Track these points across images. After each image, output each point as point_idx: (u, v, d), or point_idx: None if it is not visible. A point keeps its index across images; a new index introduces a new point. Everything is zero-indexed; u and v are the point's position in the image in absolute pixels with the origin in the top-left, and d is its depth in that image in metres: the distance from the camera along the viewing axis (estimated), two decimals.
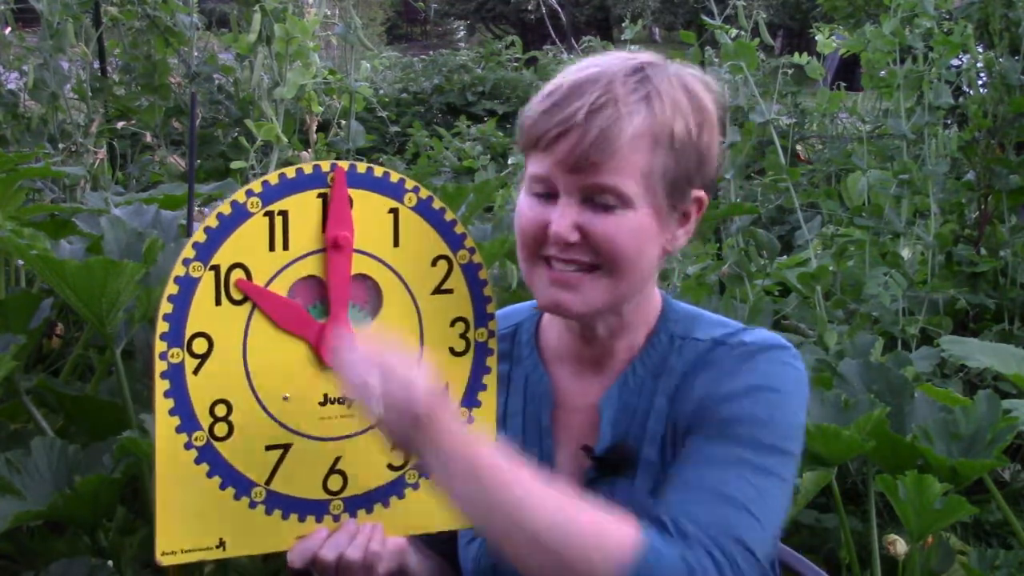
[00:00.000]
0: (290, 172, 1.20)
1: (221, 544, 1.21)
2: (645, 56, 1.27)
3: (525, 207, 1.25)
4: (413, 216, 1.26)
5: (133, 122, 4.40)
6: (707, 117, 1.24)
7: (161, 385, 1.17)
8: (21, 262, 2.69)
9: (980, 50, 3.92)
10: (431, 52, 11.12)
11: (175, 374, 1.18)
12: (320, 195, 1.21)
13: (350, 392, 1.17)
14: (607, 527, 1.12)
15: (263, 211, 1.19)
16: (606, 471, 1.29)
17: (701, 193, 1.27)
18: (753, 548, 1.14)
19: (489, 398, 1.32)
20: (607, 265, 1.22)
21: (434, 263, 1.27)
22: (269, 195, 1.19)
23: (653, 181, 1.21)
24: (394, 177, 1.25)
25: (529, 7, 21.32)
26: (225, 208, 1.18)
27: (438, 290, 1.28)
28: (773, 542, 1.21)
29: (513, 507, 1.11)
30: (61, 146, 3.86)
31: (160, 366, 1.17)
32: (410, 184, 1.25)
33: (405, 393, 1.13)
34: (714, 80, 1.30)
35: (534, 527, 1.10)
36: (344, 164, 1.22)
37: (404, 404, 1.13)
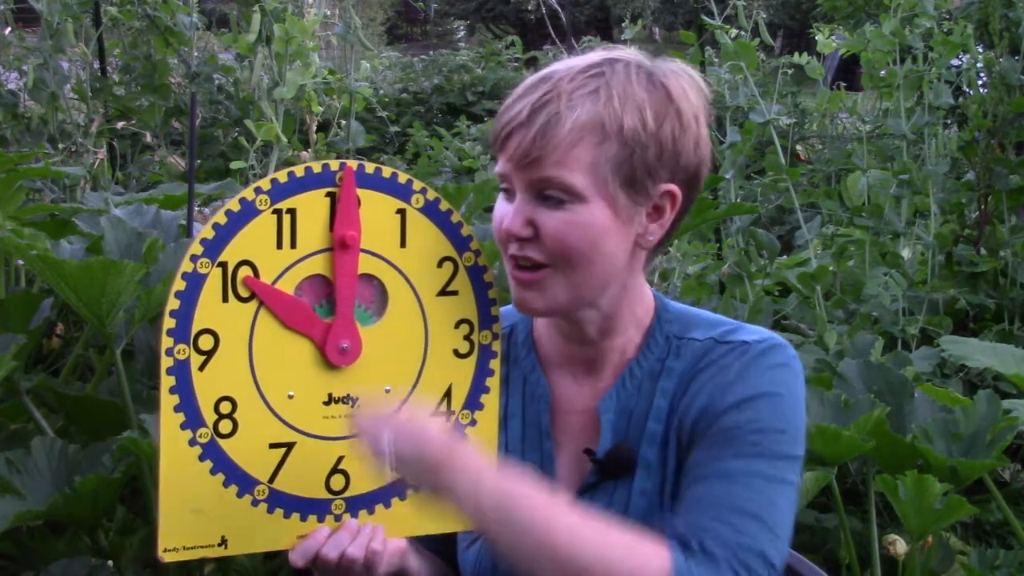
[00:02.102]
0: (299, 171, 1.20)
1: (223, 542, 1.21)
2: (616, 53, 1.27)
3: (496, 206, 1.28)
4: (420, 217, 1.26)
5: (133, 122, 4.40)
6: (675, 110, 1.23)
7: (166, 381, 1.17)
8: (21, 262, 2.69)
9: (980, 50, 3.93)
10: (431, 52, 11.13)
11: (181, 370, 1.18)
12: (328, 194, 1.21)
13: (369, 458, 1.19)
14: (642, 554, 1.15)
15: (271, 209, 1.19)
16: (607, 474, 1.29)
17: (671, 187, 1.25)
18: (774, 560, 1.17)
19: (492, 401, 1.32)
20: (559, 262, 1.23)
21: (440, 264, 1.27)
22: (278, 193, 1.19)
23: (603, 174, 1.21)
24: (402, 178, 1.25)
25: (529, 7, 21.33)
26: (234, 205, 1.18)
27: (443, 291, 1.28)
28: (787, 548, 1.24)
29: (553, 541, 1.14)
30: (61, 146, 3.86)
31: (166, 362, 1.17)
32: (418, 185, 1.25)
33: (416, 445, 1.16)
34: (698, 75, 1.29)
35: (575, 560, 1.13)
36: (353, 164, 1.22)
37: (416, 455, 1.16)
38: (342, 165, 1.21)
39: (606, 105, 1.20)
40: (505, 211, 1.25)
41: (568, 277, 1.23)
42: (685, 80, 1.26)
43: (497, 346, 1.31)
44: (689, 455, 1.25)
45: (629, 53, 1.28)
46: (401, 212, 1.25)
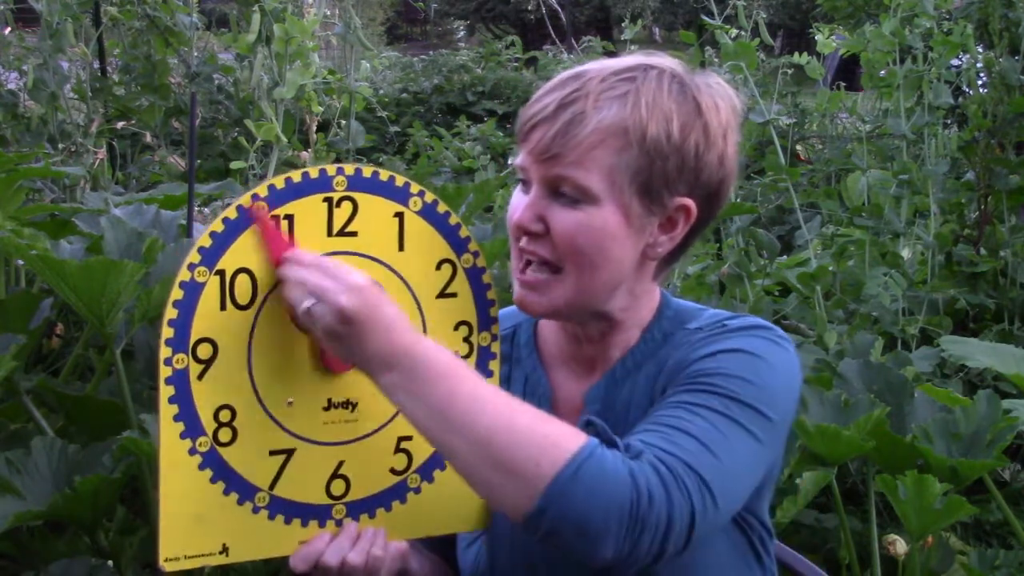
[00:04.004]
0: (296, 176, 1.20)
1: (224, 550, 1.21)
2: (654, 59, 1.26)
3: (512, 198, 1.28)
4: (418, 220, 1.25)
5: (133, 122, 4.40)
6: (702, 124, 1.22)
7: (166, 391, 1.17)
8: (21, 262, 2.68)
9: (980, 50, 3.93)
10: (431, 52, 11.12)
11: (180, 380, 1.17)
12: (326, 199, 1.21)
13: (289, 294, 1.15)
14: (554, 429, 1.10)
15: (269, 215, 1.19)
16: None
17: (687, 201, 1.24)
18: (709, 483, 1.11)
19: None
20: (566, 263, 1.22)
21: (438, 267, 1.27)
22: (275, 199, 1.19)
23: (620, 180, 1.20)
24: (399, 181, 1.24)
25: (529, 7, 21.33)
26: (231, 212, 1.18)
27: (442, 294, 1.27)
28: (737, 496, 1.19)
29: (462, 407, 1.10)
30: (61, 146, 3.85)
31: (165, 372, 1.16)
32: (415, 188, 1.25)
33: (334, 286, 1.12)
34: (732, 91, 1.28)
35: (483, 426, 1.09)
36: (350, 168, 1.22)
37: (332, 296, 1.11)
38: (339, 170, 1.21)
39: (632, 111, 1.20)
40: (519, 203, 1.25)
41: (573, 281, 1.23)
42: (718, 95, 1.25)
43: (496, 347, 1.31)
44: None
45: (666, 61, 1.26)
46: (399, 215, 1.24)
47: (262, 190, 1.19)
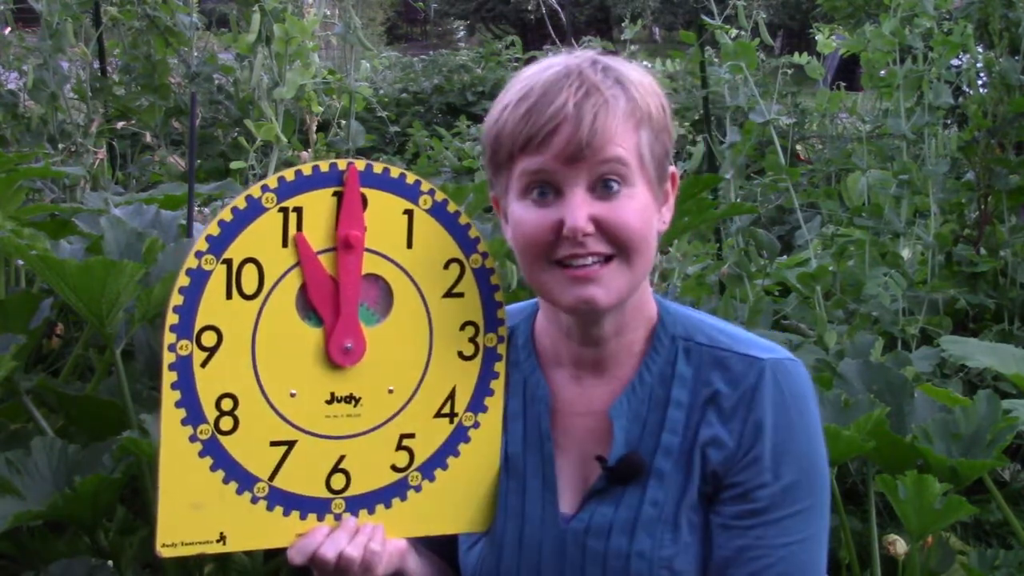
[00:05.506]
0: (306, 169, 1.20)
1: (222, 538, 1.21)
2: (580, 55, 1.28)
3: (525, 215, 1.24)
4: (428, 219, 1.26)
5: (133, 122, 4.40)
6: (664, 98, 1.28)
7: (168, 376, 1.17)
8: (21, 262, 2.68)
9: (980, 50, 3.92)
10: (431, 52, 11.13)
11: (183, 366, 1.18)
12: (335, 193, 1.21)
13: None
14: None
15: (277, 207, 1.19)
16: (616, 481, 1.29)
17: (674, 169, 1.31)
18: None
19: (496, 403, 1.32)
20: (622, 250, 1.23)
21: (446, 266, 1.27)
22: (284, 191, 1.19)
23: (644, 159, 1.24)
24: (410, 179, 1.25)
25: (529, 7, 21.32)
26: (240, 202, 1.18)
27: (449, 293, 1.28)
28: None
29: None
30: (61, 146, 3.85)
31: (168, 357, 1.17)
32: (426, 187, 1.26)
33: None
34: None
35: None
36: (360, 163, 1.22)
37: None
38: (349, 164, 1.21)
39: (635, 94, 1.23)
40: (545, 215, 1.22)
41: (627, 266, 1.24)
42: (648, 71, 1.31)
43: (502, 349, 1.31)
44: (723, 509, 1.27)
45: (589, 53, 1.30)
46: (408, 213, 1.25)
47: (272, 182, 1.19)
